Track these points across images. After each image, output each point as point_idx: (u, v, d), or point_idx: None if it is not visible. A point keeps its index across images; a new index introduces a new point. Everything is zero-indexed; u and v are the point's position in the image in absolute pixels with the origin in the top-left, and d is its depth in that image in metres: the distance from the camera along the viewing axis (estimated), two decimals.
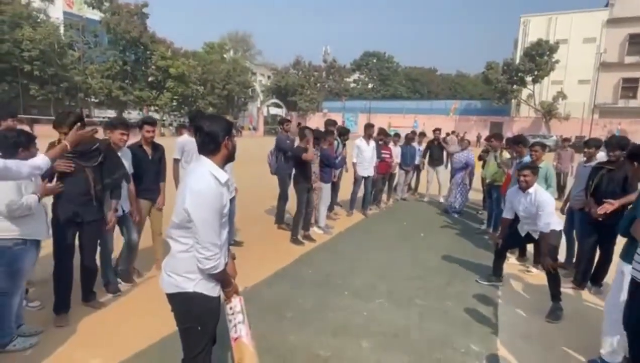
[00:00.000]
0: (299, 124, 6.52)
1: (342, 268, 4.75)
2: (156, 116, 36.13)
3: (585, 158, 4.86)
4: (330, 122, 6.88)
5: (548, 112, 36.49)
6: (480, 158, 7.82)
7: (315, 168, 5.80)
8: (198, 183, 1.79)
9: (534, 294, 4.29)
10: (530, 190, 3.85)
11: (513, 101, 40.67)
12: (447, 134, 12.01)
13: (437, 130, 9.43)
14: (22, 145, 2.68)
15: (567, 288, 4.21)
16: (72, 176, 3.07)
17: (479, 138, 33.07)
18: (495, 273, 4.45)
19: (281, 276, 4.43)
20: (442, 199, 9.20)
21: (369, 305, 3.79)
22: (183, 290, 1.90)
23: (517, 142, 5.62)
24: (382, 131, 8.00)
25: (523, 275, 4.85)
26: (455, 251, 5.59)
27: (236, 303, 2.07)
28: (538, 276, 4.79)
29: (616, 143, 4.16)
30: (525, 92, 38.55)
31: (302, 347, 3.01)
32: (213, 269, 1.85)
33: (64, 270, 3.20)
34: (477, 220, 7.60)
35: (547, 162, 5.01)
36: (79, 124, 2.75)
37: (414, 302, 3.92)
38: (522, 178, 3.86)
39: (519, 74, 36.65)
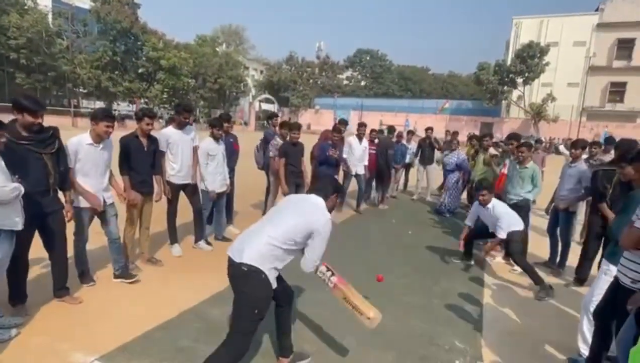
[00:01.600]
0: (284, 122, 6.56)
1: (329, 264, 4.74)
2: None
3: (571, 159, 4.94)
4: (341, 122, 7.22)
5: (537, 113, 36.93)
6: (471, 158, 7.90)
7: (302, 164, 5.83)
8: (323, 217, 2.45)
9: (518, 292, 4.35)
10: (489, 205, 4.61)
11: (504, 102, 41.05)
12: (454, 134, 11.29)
13: (429, 129, 9.47)
14: None
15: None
16: (30, 165, 2.92)
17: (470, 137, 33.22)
18: (466, 256, 5.08)
19: None
20: (429, 198, 9.28)
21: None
22: (261, 267, 2.27)
23: (510, 138, 5.67)
24: (372, 130, 8.11)
25: (508, 273, 4.91)
26: (443, 249, 5.63)
27: (323, 267, 2.75)
28: (522, 275, 4.86)
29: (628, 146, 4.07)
30: (515, 94, 38.95)
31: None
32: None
33: (18, 262, 3.00)
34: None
35: (534, 163, 5.07)
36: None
37: (399, 299, 3.94)
38: (481, 198, 4.64)
39: (510, 75, 36.97)
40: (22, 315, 3.07)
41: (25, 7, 31.26)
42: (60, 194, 3.28)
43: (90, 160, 3.47)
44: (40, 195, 3.03)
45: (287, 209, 2.48)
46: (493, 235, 4.65)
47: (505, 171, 5.63)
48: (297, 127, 5.64)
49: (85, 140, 3.43)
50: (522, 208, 4.96)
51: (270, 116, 6.63)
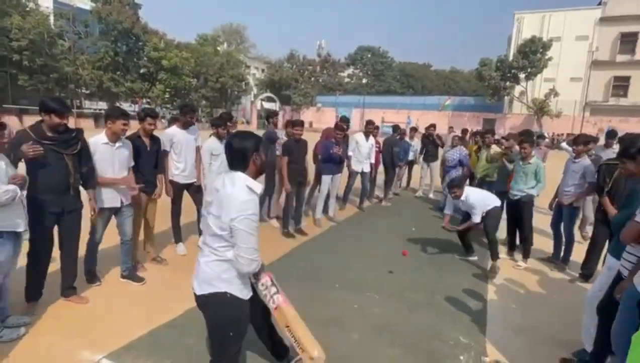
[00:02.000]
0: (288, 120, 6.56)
1: (333, 262, 4.77)
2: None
3: (574, 154, 4.92)
4: (343, 120, 7.20)
5: (540, 109, 36.76)
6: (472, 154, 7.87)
7: (306, 161, 5.82)
8: (241, 194, 1.90)
9: (522, 288, 4.36)
10: (462, 198, 4.84)
11: (506, 97, 40.89)
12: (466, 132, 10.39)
13: (431, 126, 9.46)
14: None
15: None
16: (51, 164, 3.01)
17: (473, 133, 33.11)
18: (467, 250, 5.22)
19: (272, 270, 4.33)
20: (432, 195, 9.29)
21: (360, 298, 3.82)
22: (218, 290, 1.98)
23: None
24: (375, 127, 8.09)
25: (512, 269, 4.92)
26: (446, 246, 5.64)
27: (266, 279, 2.29)
28: (526, 271, 4.87)
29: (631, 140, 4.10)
30: (518, 89, 38.78)
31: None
32: (256, 268, 2.02)
33: (40, 260, 3.14)
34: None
35: (537, 158, 5.06)
36: None
37: (404, 295, 3.95)
38: (452, 195, 4.89)
39: (512, 71, 36.80)
40: (30, 315, 3.10)
41: (27, 9, 31.34)
42: (83, 193, 3.36)
43: (106, 159, 3.54)
44: (61, 194, 3.12)
45: (210, 207, 2.00)
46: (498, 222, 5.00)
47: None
48: (300, 123, 5.64)
49: (101, 140, 3.50)
50: (525, 204, 4.96)
51: (270, 114, 6.57)
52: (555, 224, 5.12)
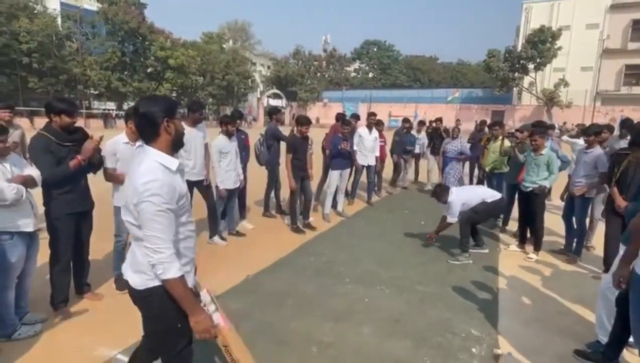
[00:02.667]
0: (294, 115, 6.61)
1: (344, 256, 4.78)
2: None
3: (586, 145, 4.85)
4: (354, 116, 7.29)
5: (550, 100, 36.23)
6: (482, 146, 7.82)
7: (308, 157, 5.84)
8: (144, 174, 1.62)
9: (534, 280, 4.33)
10: (449, 200, 4.96)
11: (515, 89, 40.38)
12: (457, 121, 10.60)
13: (437, 120, 9.49)
14: None
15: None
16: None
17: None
18: (477, 242, 5.23)
19: (282, 265, 4.46)
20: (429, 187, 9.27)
21: (371, 292, 3.83)
22: (148, 286, 1.71)
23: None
24: (378, 121, 8.06)
25: (523, 261, 4.88)
26: (456, 238, 5.60)
27: (204, 295, 1.99)
28: (537, 263, 4.83)
29: None
30: (527, 80, 38.24)
31: (303, 333, 3.05)
32: (164, 259, 1.61)
33: (65, 264, 3.19)
34: None
35: (549, 150, 4.99)
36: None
37: (414, 288, 3.95)
38: (443, 199, 5.00)
39: (521, 62, 36.29)
40: (67, 317, 3.16)
41: (35, 12, 31.72)
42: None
43: (128, 158, 3.49)
44: (82, 194, 3.19)
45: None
46: (490, 215, 5.37)
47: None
48: (307, 122, 5.64)
49: (122, 139, 3.49)
50: (537, 196, 4.90)
51: (273, 111, 6.57)
52: (566, 216, 5.07)
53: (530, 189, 4.94)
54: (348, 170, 6.69)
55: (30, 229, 2.78)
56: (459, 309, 3.57)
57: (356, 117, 7.77)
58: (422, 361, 2.79)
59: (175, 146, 1.78)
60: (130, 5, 36.50)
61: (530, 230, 5.20)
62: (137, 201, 1.60)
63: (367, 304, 3.59)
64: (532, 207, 5.01)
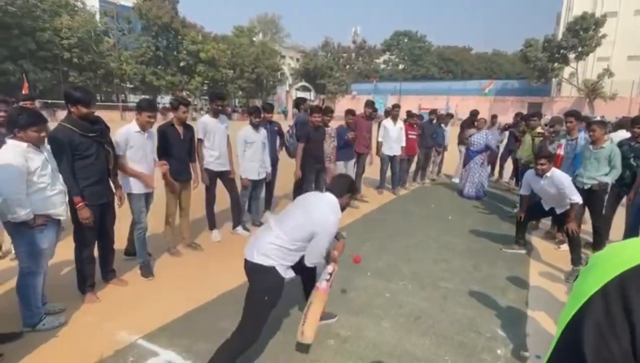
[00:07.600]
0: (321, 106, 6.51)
1: (366, 249, 4.69)
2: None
3: (633, 137, 4.50)
4: (368, 104, 7.15)
5: (592, 91, 34.23)
6: (516, 138, 7.50)
7: (327, 148, 5.74)
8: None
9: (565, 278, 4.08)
10: (548, 174, 4.21)
11: (554, 80, 38.45)
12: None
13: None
14: (18, 125, 2.56)
15: None
16: (97, 156, 3.10)
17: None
18: (518, 240, 4.79)
19: None
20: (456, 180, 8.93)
21: (392, 287, 3.73)
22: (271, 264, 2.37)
23: (568, 115, 5.17)
24: (409, 114, 8.00)
25: (556, 259, 4.60)
26: (484, 234, 5.40)
27: (331, 267, 2.83)
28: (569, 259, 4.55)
29: None
30: (567, 71, 36.30)
31: (321, 325, 3.00)
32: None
33: (89, 252, 3.25)
34: (508, 203, 7.30)
35: (610, 143, 4.57)
36: None
37: (438, 285, 3.82)
38: (539, 166, 4.23)
39: (561, 51, 34.45)
40: (96, 301, 3.25)
41: (76, 9, 33.11)
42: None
43: (140, 147, 3.60)
44: (105, 184, 3.25)
45: (297, 208, 2.54)
46: (548, 214, 4.56)
47: (560, 151, 5.23)
48: (317, 110, 5.52)
49: (134, 128, 3.56)
50: (597, 193, 4.54)
51: (300, 101, 6.60)
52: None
53: (590, 186, 4.54)
54: (353, 161, 6.63)
55: (63, 217, 2.85)
56: (484, 308, 3.41)
57: (371, 105, 7.48)
58: (443, 360, 2.68)
59: (344, 208, 2.67)
60: (163, 1, 37.37)
61: (593, 230, 4.75)
62: (324, 229, 2.42)
63: (388, 299, 3.50)
64: (591, 206, 4.65)
